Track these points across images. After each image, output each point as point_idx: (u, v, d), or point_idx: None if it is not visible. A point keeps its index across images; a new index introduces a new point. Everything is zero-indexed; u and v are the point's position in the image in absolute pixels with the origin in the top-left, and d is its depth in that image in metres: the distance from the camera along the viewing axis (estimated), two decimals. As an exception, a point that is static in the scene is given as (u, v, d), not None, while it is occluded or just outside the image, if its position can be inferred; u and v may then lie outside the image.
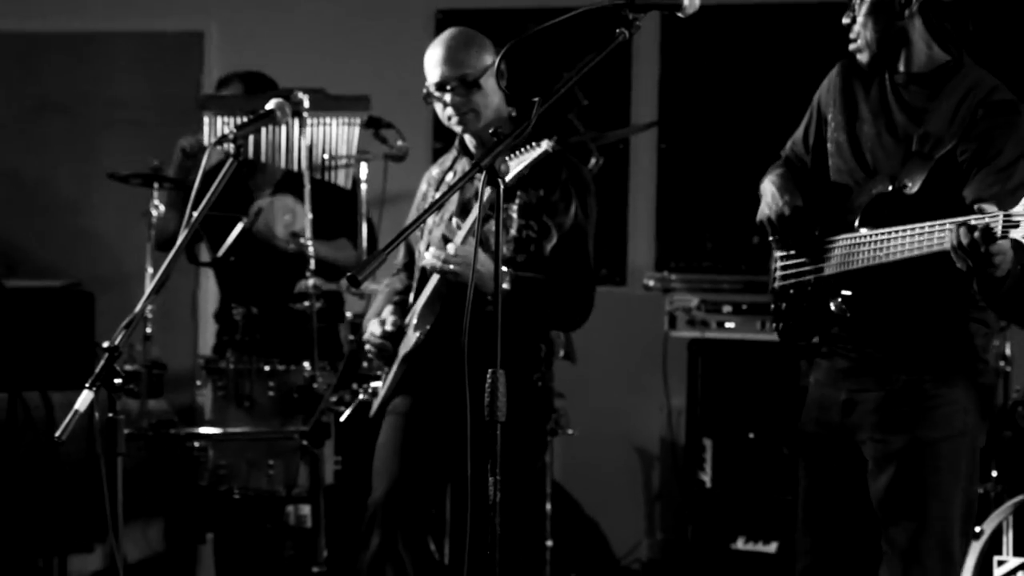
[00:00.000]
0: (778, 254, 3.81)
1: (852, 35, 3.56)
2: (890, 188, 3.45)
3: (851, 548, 3.66)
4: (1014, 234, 3.01)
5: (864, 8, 3.53)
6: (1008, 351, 5.66)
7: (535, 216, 4.23)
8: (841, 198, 3.62)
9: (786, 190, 3.69)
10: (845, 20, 3.56)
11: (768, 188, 3.74)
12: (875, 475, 3.55)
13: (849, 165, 3.64)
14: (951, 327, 3.52)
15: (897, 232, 3.34)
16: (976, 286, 3.31)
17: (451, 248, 4.09)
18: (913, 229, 3.29)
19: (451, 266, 4.09)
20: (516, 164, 3.88)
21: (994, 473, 5.29)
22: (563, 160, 4.26)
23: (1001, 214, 3.04)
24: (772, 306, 3.84)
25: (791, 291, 3.73)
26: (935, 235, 3.22)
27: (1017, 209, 3.02)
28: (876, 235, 3.41)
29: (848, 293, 3.53)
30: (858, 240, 3.47)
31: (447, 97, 4.25)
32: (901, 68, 3.56)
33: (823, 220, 3.63)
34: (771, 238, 3.75)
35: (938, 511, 3.49)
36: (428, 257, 4.16)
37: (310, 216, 5.29)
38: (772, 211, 3.70)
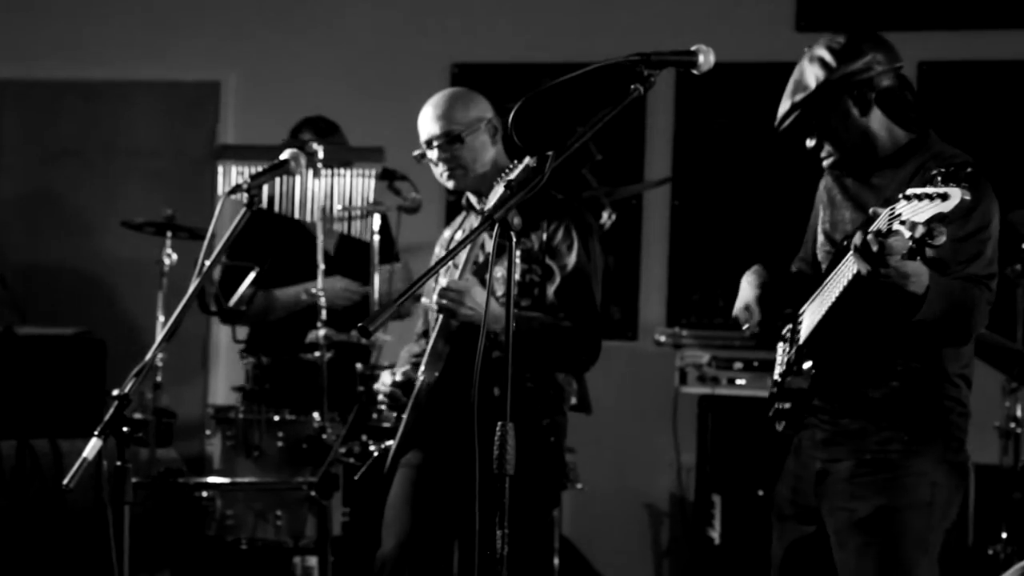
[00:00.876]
0: (779, 349, 3.82)
1: (822, 153, 3.63)
2: (844, 243, 3.46)
3: None
4: (896, 226, 2.99)
5: (832, 124, 3.60)
6: (1019, 412, 5.65)
7: (538, 260, 4.24)
8: (819, 280, 3.65)
9: (753, 275, 3.77)
10: (809, 143, 3.65)
11: (743, 282, 3.81)
12: (840, 546, 3.52)
13: (827, 248, 3.70)
14: (923, 400, 3.50)
15: (835, 272, 3.35)
16: (897, 312, 3.28)
17: (443, 280, 4.10)
18: (844, 263, 3.29)
19: (444, 301, 4.08)
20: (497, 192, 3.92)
21: (1004, 535, 5.27)
22: (565, 204, 4.28)
23: (886, 211, 3.04)
24: (776, 404, 3.81)
25: (783, 378, 3.74)
26: (849, 260, 3.23)
27: (899, 203, 3.00)
28: (824, 285, 3.42)
29: (813, 355, 3.52)
30: (818, 298, 3.49)
31: (431, 155, 4.34)
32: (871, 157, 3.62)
33: (802, 300, 3.65)
34: (744, 328, 3.77)
35: None
36: (431, 299, 4.17)
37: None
38: (743, 299, 3.75)
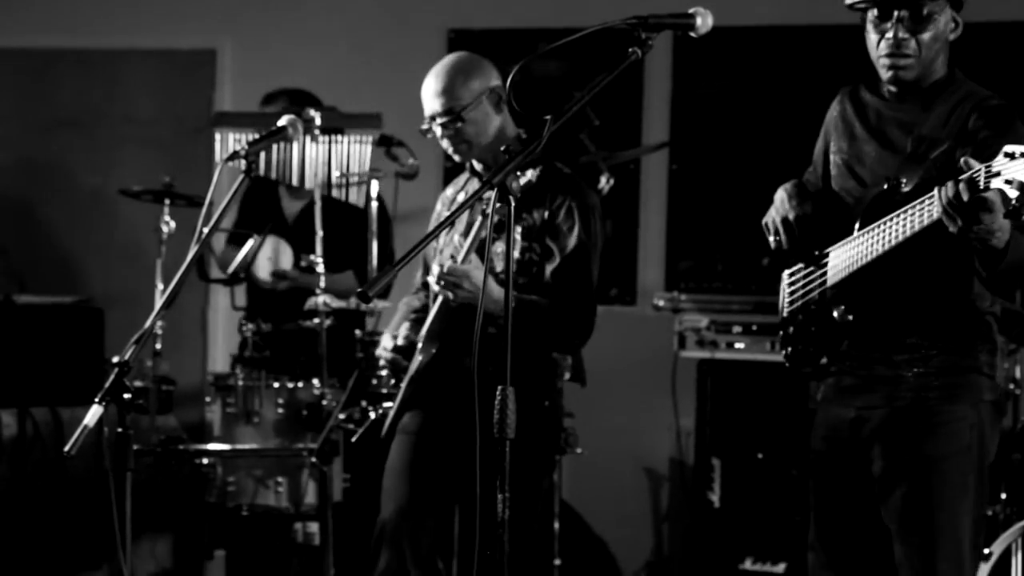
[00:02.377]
0: (785, 280, 3.82)
1: (907, 50, 3.49)
2: (885, 187, 3.46)
3: (865, 565, 3.66)
4: (996, 183, 3.00)
5: (932, 28, 3.50)
6: (1018, 374, 5.66)
7: (538, 239, 4.23)
8: (840, 214, 3.64)
9: (796, 196, 3.70)
10: (902, 35, 3.48)
11: (779, 195, 3.75)
12: (884, 493, 3.56)
13: (848, 184, 3.66)
14: (956, 342, 3.52)
15: (889, 219, 3.35)
16: (978, 262, 3.30)
17: (445, 265, 4.09)
18: (904, 211, 3.29)
19: (442, 282, 4.08)
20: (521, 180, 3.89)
21: (1003, 495, 5.28)
22: (569, 182, 4.26)
23: (982, 166, 3.03)
24: (780, 332, 3.84)
25: (799, 315, 3.74)
26: (924, 207, 3.23)
27: (997, 159, 3.00)
28: (870, 230, 3.42)
29: (846, 299, 3.53)
30: (855, 241, 3.48)
31: (436, 131, 4.31)
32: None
33: (824, 234, 3.64)
34: (771, 239, 3.75)
35: (948, 527, 3.49)
36: (430, 278, 4.17)
37: (314, 237, 5.30)
38: (778, 213, 3.71)
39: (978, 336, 3.55)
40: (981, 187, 3.04)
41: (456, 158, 4.38)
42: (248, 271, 5.75)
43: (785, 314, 3.81)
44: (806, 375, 3.82)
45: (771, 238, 3.74)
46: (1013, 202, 2.98)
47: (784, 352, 3.81)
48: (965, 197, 3.06)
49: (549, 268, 4.22)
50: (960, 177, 3.08)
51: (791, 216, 3.67)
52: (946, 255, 3.41)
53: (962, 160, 3.11)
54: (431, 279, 4.17)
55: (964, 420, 3.51)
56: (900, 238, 3.32)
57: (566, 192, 4.25)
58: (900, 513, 3.53)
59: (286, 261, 5.87)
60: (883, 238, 3.37)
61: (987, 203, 3.08)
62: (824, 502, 3.73)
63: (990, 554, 4.79)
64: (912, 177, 3.45)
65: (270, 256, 5.79)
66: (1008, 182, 2.97)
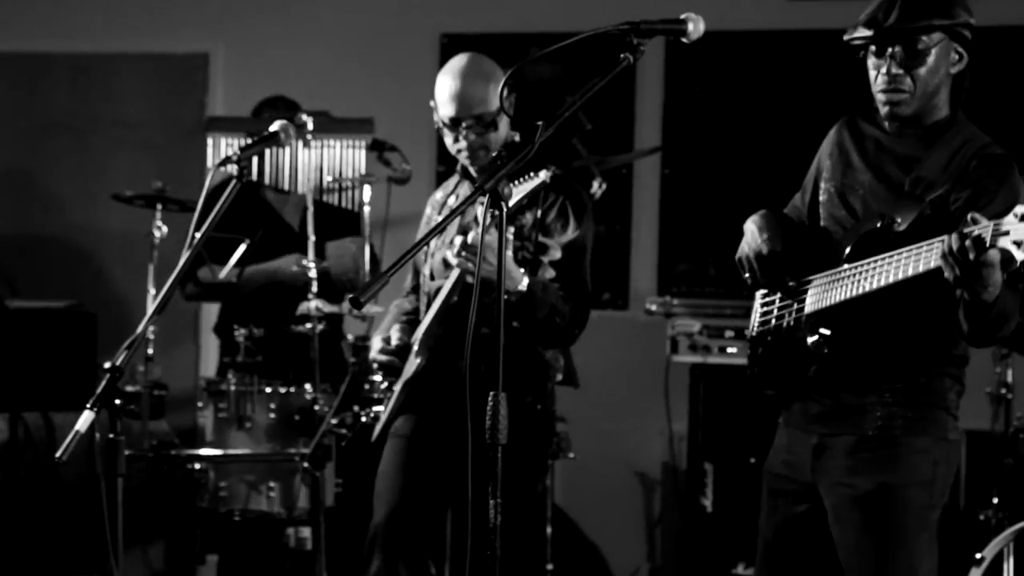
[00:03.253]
0: (758, 300, 3.82)
1: (902, 86, 3.47)
2: (879, 224, 3.45)
3: None
4: (1003, 242, 3.01)
5: (928, 64, 3.47)
6: (1010, 378, 5.66)
7: (530, 237, 4.22)
8: (827, 243, 3.63)
9: (766, 229, 3.69)
10: (895, 71, 3.46)
11: (749, 227, 3.75)
12: (839, 522, 3.51)
13: (839, 213, 3.64)
14: (926, 378, 3.50)
15: (882, 259, 3.34)
16: (963, 312, 3.30)
17: (470, 236, 3.98)
18: (900, 253, 3.29)
19: (465, 254, 4.00)
20: (516, 192, 3.87)
21: (995, 500, 5.29)
22: (560, 182, 4.26)
23: (991, 223, 3.04)
24: (749, 352, 3.83)
25: (768, 337, 3.74)
26: (922, 254, 3.22)
27: (1007, 218, 3.01)
28: (860, 265, 3.40)
29: (827, 332, 3.51)
30: (842, 274, 3.46)
31: (462, 133, 4.24)
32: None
33: (806, 263, 3.63)
34: (746, 276, 3.76)
35: (903, 560, 3.45)
36: (449, 254, 4.11)
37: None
38: (750, 249, 3.71)
39: (948, 375, 3.54)
40: (987, 245, 3.05)
41: (466, 163, 4.33)
42: (240, 277, 5.74)
43: (754, 333, 3.80)
44: (769, 397, 3.80)
45: (745, 275, 3.75)
46: (1018, 264, 2.98)
47: (750, 371, 3.80)
48: (972, 255, 3.07)
49: (545, 262, 4.21)
50: (967, 230, 3.08)
51: (764, 251, 3.67)
52: (928, 298, 3.38)
53: (969, 216, 3.11)
54: (449, 253, 4.11)
55: (928, 454, 3.48)
56: (891, 280, 3.30)
57: (558, 191, 4.25)
58: (855, 542, 3.48)
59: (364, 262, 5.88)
60: (872, 277, 3.35)
61: (988, 259, 3.09)
62: (774, 524, 3.70)
63: (982, 559, 4.80)
64: (907, 216, 3.43)
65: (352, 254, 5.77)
66: (1016, 243, 2.97)
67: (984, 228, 3.04)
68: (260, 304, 5.93)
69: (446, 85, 4.23)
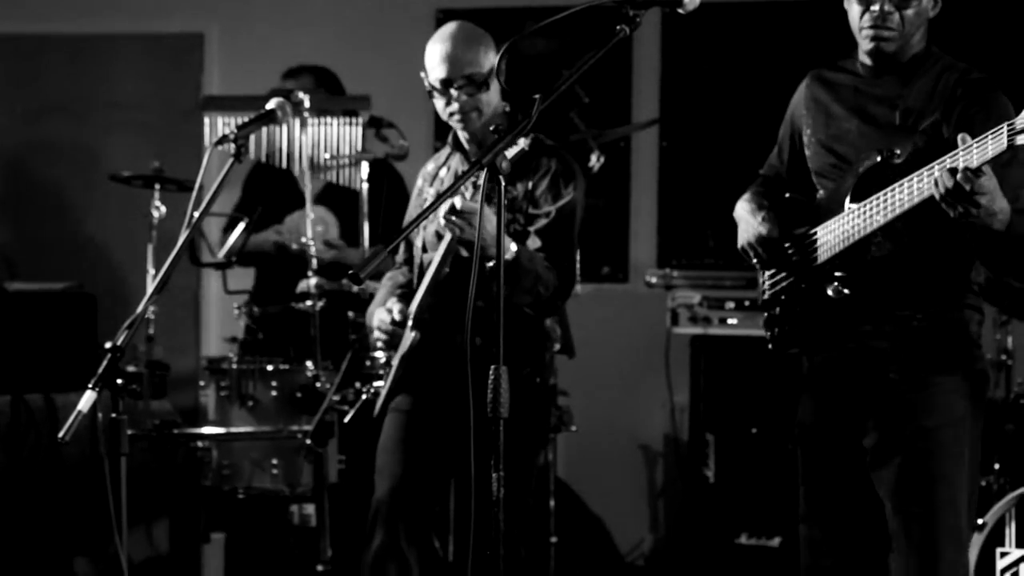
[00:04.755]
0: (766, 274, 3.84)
1: (890, 24, 3.52)
2: (879, 159, 3.47)
3: (858, 536, 3.68)
4: (1021, 139, 3.04)
5: (916, 5, 3.53)
6: (1010, 344, 5.67)
7: (520, 209, 4.23)
8: (824, 196, 3.65)
9: (757, 211, 3.74)
10: (887, 8, 3.51)
11: (740, 215, 3.79)
12: (879, 465, 3.57)
13: (827, 161, 3.67)
14: (947, 313, 3.55)
15: (889, 191, 3.36)
16: (979, 246, 3.33)
17: (457, 201, 3.98)
18: (907, 180, 3.30)
19: (454, 219, 3.99)
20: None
21: (996, 466, 5.30)
22: (549, 151, 4.26)
23: (1004, 125, 3.06)
24: (765, 315, 3.85)
25: (782, 296, 3.75)
26: (925, 180, 3.24)
27: (1020, 117, 3.04)
28: (866, 204, 3.43)
29: (841, 274, 3.54)
30: (848, 217, 3.49)
31: (453, 94, 4.24)
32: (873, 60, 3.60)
33: (805, 221, 3.65)
34: (754, 261, 3.78)
35: (947, 498, 3.52)
36: (441, 220, 4.09)
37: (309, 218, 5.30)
38: (750, 235, 3.73)
39: (968, 306, 3.57)
40: (974, 169, 3.07)
41: (458, 127, 4.31)
42: (240, 255, 5.74)
43: (767, 296, 3.82)
44: (793, 355, 3.82)
45: (753, 260, 3.78)
46: None
47: (769, 334, 3.82)
48: (966, 186, 3.09)
49: (533, 231, 4.21)
50: (952, 165, 3.11)
51: (763, 231, 3.70)
52: (942, 227, 3.41)
53: (960, 136, 3.14)
54: (440, 217, 4.10)
55: (957, 392, 3.54)
56: (902, 208, 3.32)
57: (548, 162, 4.25)
58: (896, 485, 3.54)
59: (333, 231, 5.88)
60: (882, 210, 3.38)
61: (980, 187, 3.11)
62: (815, 475, 3.74)
63: (984, 525, 4.81)
64: (904, 148, 3.47)
65: (320, 227, 5.78)
66: None
67: (970, 149, 3.08)
68: (261, 282, 5.94)
69: (435, 50, 4.25)
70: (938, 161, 3.21)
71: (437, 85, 4.24)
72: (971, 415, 3.56)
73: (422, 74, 4.28)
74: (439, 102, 4.27)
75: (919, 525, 3.52)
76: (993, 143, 3.09)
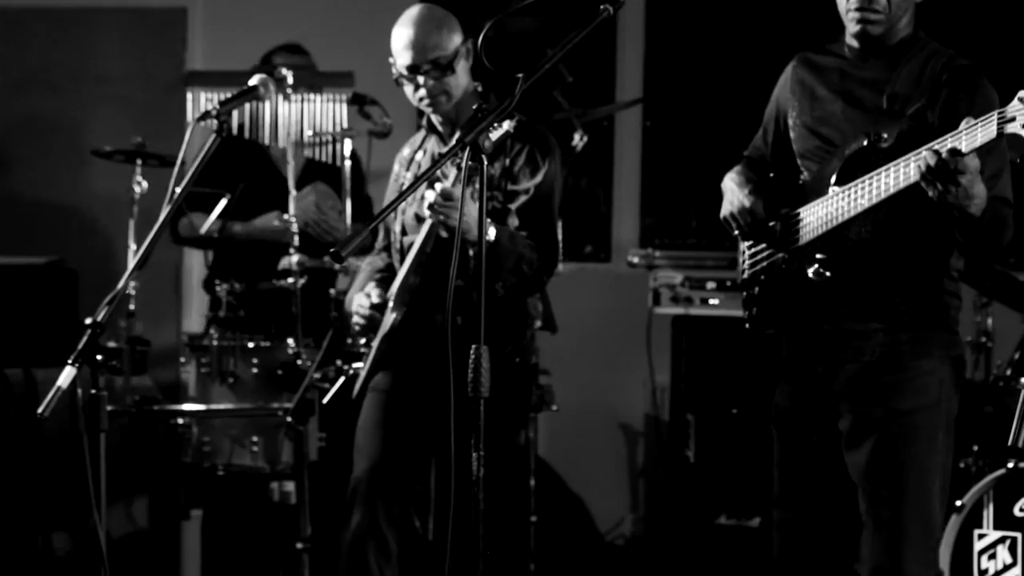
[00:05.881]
0: (744, 245, 3.84)
1: (876, 6, 3.52)
2: (865, 143, 3.49)
3: (830, 520, 3.70)
4: (1011, 128, 3.08)
5: None
6: (990, 326, 5.69)
7: (499, 187, 4.23)
8: (808, 178, 3.66)
9: (745, 183, 3.75)
10: None
11: (728, 185, 3.81)
12: (852, 447, 3.59)
13: (812, 144, 3.68)
14: (926, 297, 3.57)
15: (875, 174, 3.37)
16: (958, 232, 3.35)
17: (438, 188, 4.00)
18: (893, 164, 3.32)
19: (437, 206, 4.00)
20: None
21: (975, 448, 5.32)
22: (526, 129, 4.26)
23: (995, 112, 3.09)
24: (744, 294, 3.86)
25: (762, 276, 3.76)
26: (912, 165, 3.26)
27: (1012, 104, 3.06)
28: (850, 187, 3.44)
29: (823, 256, 3.55)
30: (832, 199, 3.50)
31: (420, 80, 4.25)
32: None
33: (788, 205, 3.66)
34: (735, 232, 3.79)
35: (917, 481, 3.53)
36: (427, 199, 4.08)
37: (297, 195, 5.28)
38: (734, 205, 3.74)
39: (946, 292, 3.58)
40: (962, 151, 3.11)
41: (428, 111, 4.34)
42: (222, 232, 5.72)
43: (746, 276, 3.83)
44: (771, 337, 3.83)
45: (734, 231, 3.78)
46: None
47: (747, 313, 3.84)
48: (951, 166, 3.11)
49: (513, 208, 4.22)
50: (938, 146, 3.14)
51: (747, 204, 3.71)
52: (924, 214, 3.43)
53: (965, 120, 3.17)
54: (424, 204, 4.10)
55: (933, 375, 3.55)
56: (887, 192, 3.34)
57: (524, 139, 4.26)
58: (867, 467, 3.56)
59: (338, 204, 5.84)
60: (866, 193, 3.39)
61: (964, 166, 3.13)
62: (789, 458, 3.76)
63: (962, 507, 4.83)
64: (891, 132, 3.48)
65: (329, 201, 5.74)
66: None
67: (958, 136, 3.10)
68: (245, 259, 5.91)
69: (400, 36, 4.29)
70: (927, 146, 3.22)
71: (404, 72, 4.26)
72: (946, 400, 3.57)
73: (390, 60, 4.29)
74: (408, 88, 4.30)
75: (887, 507, 3.54)
76: (983, 131, 3.11)
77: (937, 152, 3.14)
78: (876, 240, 3.51)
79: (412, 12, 4.32)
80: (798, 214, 3.63)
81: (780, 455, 3.77)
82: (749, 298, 3.83)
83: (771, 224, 3.70)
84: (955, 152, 3.11)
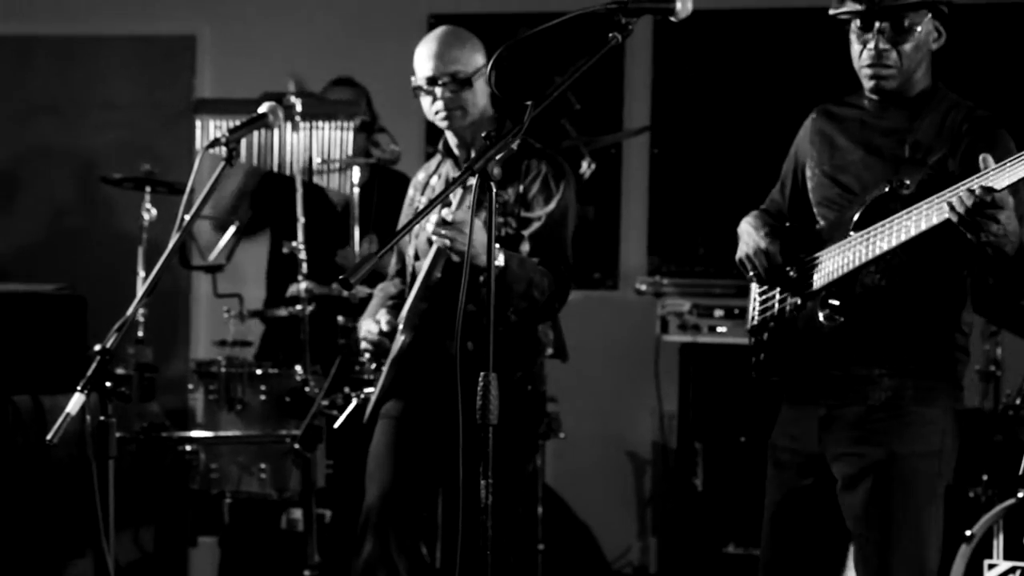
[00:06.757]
0: (756, 290, 3.83)
1: (887, 61, 3.52)
2: (887, 189, 3.47)
3: (814, 566, 3.67)
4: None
5: (913, 39, 3.52)
6: (999, 355, 5.68)
7: (512, 213, 4.24)
8: (825, 225, 3.65)
9: (762, 227, 3.73)
10: (883, 46, 3.51)
11: (744, 228, 3.79)
12: (847, 490, 3.55)
13: (831, 193, 3.67)
14: (935, 349, 3.54)
15: (895, 218, 3.36)
16: (988, 271, 3.33)
17: (445, 213, 4.01)
18: (914, 208, 3.31)
19: (443, 231, 4.01)
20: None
21: (984, 477, 5.30)
22: (539, 154, 4.27)
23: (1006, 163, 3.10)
24: (751, 340, 3.84)
25: (771, 323, 3.75)
26: (934, 209, 3.25)
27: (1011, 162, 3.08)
28: (870, 231, 3.43)
29: (836, 302, 3.53)
30: (851, 243, 3.49)
31: (437, 91, 4.27)
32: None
33: (805, 249, 3.65)
34: (750, 275, 3.78)
35: (909, 526, 3.49)
36: (429, 228, 4.10)
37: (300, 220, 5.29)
38: (749, 247, 3.73)
39: (956, 346, 3.57)
40: (996, 188, 3.12)
41: (442, 125, 4.34)
42: (230, 258, 5.74)
43: (755, 322, 3.82)
44: (774, 383, 3.80)
45: (750, 274, 3.77)
46: None
47: (754, 360, 3.81)
48: (988, 199, 3.11)
49: (526, 235, 4.22)
50: (972, 186, 3.14)
51: (763, 246, 3.70)
52: (939, 265, 3.44)
53: (980, 157, 3.15)
54: (429, 228, 4.11)
55: (935, 424, 3.52)
56: (906, 237, 3.32)
57: (538, 164, 4.27)
58: (861, 510, 3.52)
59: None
60: (886, 236, 3.37)
61: (999, 200, 3.13)
62: (781, 500, 3.72)
63: (972, 536, 4.81)
64: (913, 179, 3.46)
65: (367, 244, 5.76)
66: None
67: (990, 173, 3.11)
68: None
69: (422, 49, 4.33)
70: (950, 188, 3.21)
71: (423, 83, 4.28)
72: (946, 450, 3.54)
73: (412, 78, 4.31)
74: (425, 100, 4.31)
75: (877, 550, 3.50)
76: (1013, 169, 3.10)
77: (972, 190, 3.13)
78: (890, 289, 3.50)
79: (438, 29, 4.38)
80: (816, 258, 3.61)
81: (773, 497, 3.74)
82: (757, 344, 3.81)
83: (787, 268, 3.69)
84: (989, 190, 3.10)
